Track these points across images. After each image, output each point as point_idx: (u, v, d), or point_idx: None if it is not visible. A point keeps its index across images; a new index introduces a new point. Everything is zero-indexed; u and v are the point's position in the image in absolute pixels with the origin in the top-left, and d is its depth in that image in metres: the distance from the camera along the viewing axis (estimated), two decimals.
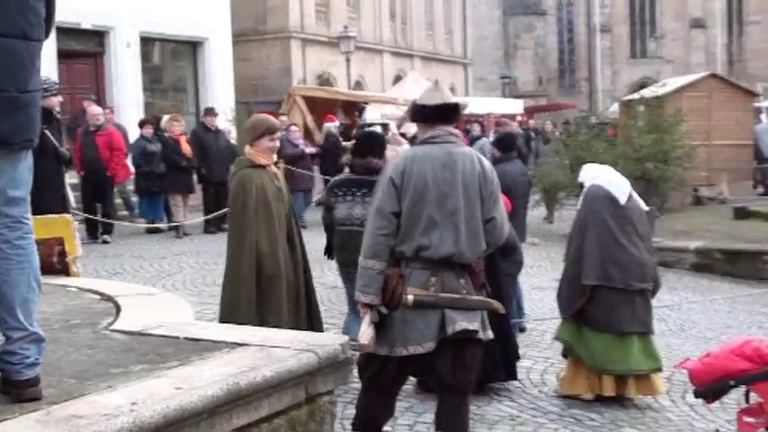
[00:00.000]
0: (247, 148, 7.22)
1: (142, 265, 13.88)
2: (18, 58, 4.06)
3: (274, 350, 4.90)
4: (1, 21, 3.99)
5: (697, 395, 5.98)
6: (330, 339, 5.20)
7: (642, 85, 59.56)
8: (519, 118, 26.54)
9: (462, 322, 5.34)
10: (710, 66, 57.49)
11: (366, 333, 5.33)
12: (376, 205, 5.45)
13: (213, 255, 15.03)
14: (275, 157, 7.56)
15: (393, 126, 18.97)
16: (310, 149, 20.04)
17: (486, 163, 5.61)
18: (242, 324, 6.26)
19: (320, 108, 24.96)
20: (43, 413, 3.93)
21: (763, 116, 27.88)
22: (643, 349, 7.62)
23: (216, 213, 17.20)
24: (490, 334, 5.61)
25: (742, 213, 18.48)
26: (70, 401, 4.09)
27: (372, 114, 10.25)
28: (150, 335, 5.47)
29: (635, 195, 7.82)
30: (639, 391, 7.61)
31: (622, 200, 7.63)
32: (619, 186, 7.71)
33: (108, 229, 16.56)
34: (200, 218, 18.07)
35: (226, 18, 28.37)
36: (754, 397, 5.81)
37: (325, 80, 35.66)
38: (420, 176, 5.37)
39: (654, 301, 7.95)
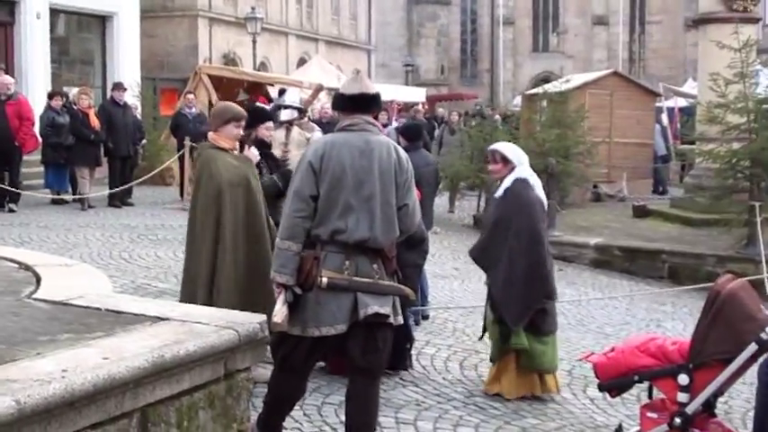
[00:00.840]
0: (211, 134, 7.14)
1: (48, 236, 13.75)
2: None
3: (196, 326, 4.93)
4: None
5: (601, 389, 6.10)
6: (249, 318, 5.21)
7: (544, 79, 60.38)
8: (421, 107, 26.66)
9: (374, 306, 5.42)
10: (612, 63, 58.53)
11: (280, 312, 5.38)
12: (294, 188, 5.50)
13: (119, 228, 14.91)
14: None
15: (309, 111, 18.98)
16: None
17: (402, 152, 5.70)
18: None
19: (225, 87, 24.85)
20: None
21: (663, 116, 28.46)
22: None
23: (122, 188, 17.13)
24: (401, 319, 5.72)
25: (641, 212, 18.87)
26: (3, 366, 4.08)
27: (292, 97, 10.19)
28: (73, 305, 5.47)
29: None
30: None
31: (545, 201, 7.71)
32: (539, 185, 7.71)
33: (14, 199, 16.56)
34: (105, 191, 17.98)
35: None
36: (656, 393, 5.94)
37: (230, 60, 35.40)
38: (338, 162, 5.43)
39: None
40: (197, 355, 4.60)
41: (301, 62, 40.85)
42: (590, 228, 17.35)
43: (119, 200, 17.98)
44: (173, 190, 21.22)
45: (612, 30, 62.31)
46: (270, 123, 8.47)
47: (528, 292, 7.45)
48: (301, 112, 10.63)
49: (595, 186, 22.08)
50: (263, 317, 5.23)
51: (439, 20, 65.36)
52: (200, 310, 5.47)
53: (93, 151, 17.85)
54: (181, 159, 19.28)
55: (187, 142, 18.47)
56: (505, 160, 7.64)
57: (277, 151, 8.89)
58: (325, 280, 5.37)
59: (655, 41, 64.97)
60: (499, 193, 7.68)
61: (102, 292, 5.98)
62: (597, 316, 11.58)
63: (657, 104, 27.70)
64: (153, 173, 20.20)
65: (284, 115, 9.97)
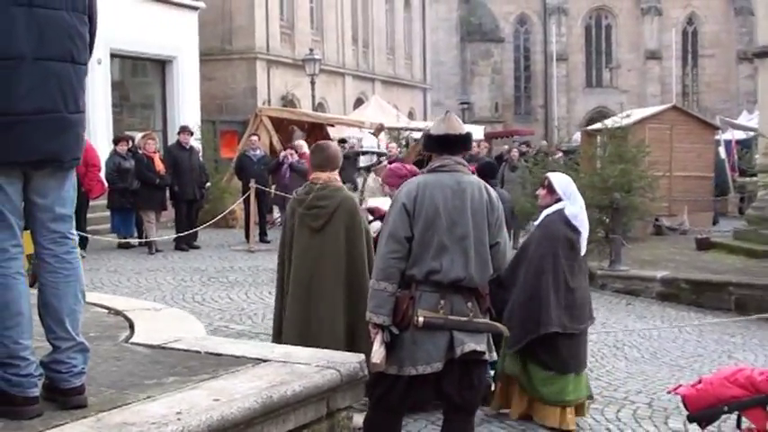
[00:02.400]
0: (334, 175, 7.21)
1: (120, 280, 14.01)
2: (67, 80, 4.22)
3: (297, 366, 5.09)
4: (52, 46, 4.16)
5: (691, 420, 6.20)
6: (349, 357, 5.37)
7: (599, 113, 60.56)
8: (480, 144, 26.89)
9: (471, 343, 5.55)
10: (666, 97, 58.41)
11: (378, 353, 5.49)
12: (389, 230, 5.63)
13: (189, 271, 15.18)
14: None
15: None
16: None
17: (492, 191, 5.84)
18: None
19: (285, 128, 25.25)
20: (93, 420, 4.10)
21: (720, 149, 28.41)
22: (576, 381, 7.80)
23: (190, 231, 17.42)
24: (495, 356, 5.86)
25: (705, 244, 18.84)
26: (116, 410, 4.26)
27: (370, 142, 10.44)
28: (172, 348, 5.66)
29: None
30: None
31: (581, 241, 7.75)
32: (582, 221, 7.76)
33: (82, 244, 16.61)
34: (171, 234, 18.27)
35: (194, 37, 28.48)
36: (745, 422, 6.04)
37: (288, 101, 35.87)
38: (431, 203, 5.58)
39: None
40: (302, 396, 4.75)
41: (358, 102, 41.28)
42: (655, 261, 17.37)
43: (185, 243, 18.22)
44: (236, 232, 21.52)
45: (665, 64, 62.15)
46: None
47: (524, 319, 7.51)
48: (381, 155, 10.81)
49: (657, 220, 22.08)
50: (362, 356, 5.40)
51: (492, 57, 65.61)
52: (298, 351, 5.60)
53: (158, 195, 18.21)
54: (245, 201, 19.50)
55: (252, 184, 18.78)
56: (551, 190, 7.79)
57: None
58: (421, 319, 5.48)
59: (708, 75, 64.89)
60: (537, 221, 7.89)
61: (197, 335, 6.17)
62: (670, 349, 11.61)
63: (716, 137, 27.63)
64: (221, 215, 20.49)
65: (363, 161, 10.14)
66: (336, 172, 7.32)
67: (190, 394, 4.52)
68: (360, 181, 9.60)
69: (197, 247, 18.54)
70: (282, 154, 19.54)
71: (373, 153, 10.22)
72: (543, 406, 7.65)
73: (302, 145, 19.97)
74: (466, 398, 5.69)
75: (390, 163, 16.99)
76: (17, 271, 4.19)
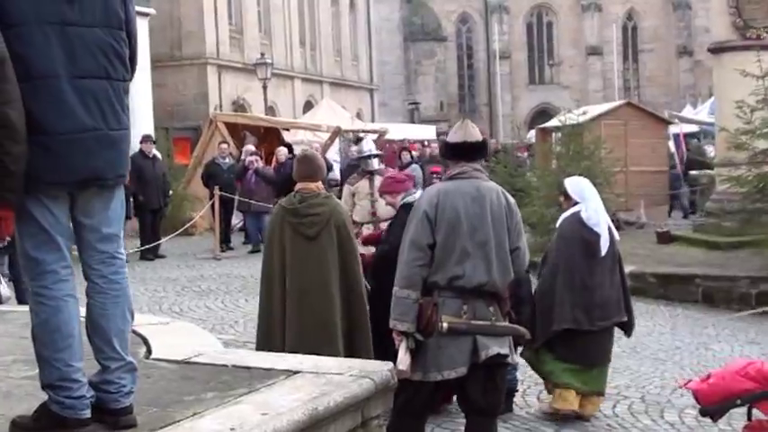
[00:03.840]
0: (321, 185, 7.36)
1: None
2: (105, 97, 4.22)
3: (331, 377, 5.12)
4: (85, 63, 4.15)
5: (704, 414, 6.35)
6: (379, 366, 5.41)
7: (543, 110, 61.20)
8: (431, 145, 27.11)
9: (495, 347, 5.66)
10: (608, 92, 59.22)
11: (404, 360, 5.59)
12: (410, 237, 5.71)
13: (161, 281, 15.13)
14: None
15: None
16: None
17: (510, 197, 5.95)
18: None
19: (239, 134, 25.16)
20: None
21: (669, 143, 28.81)
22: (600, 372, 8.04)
23: (160, 241, 17.35)
24: (517, 359, 5.96)
25: (665, 238, 19.14)
26: (168, 428, 4.27)
27: (370, 145, 10.45)
28: (197, 363, 5.65)
29: (611, 227, 8.15)
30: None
31: (601, 241, 7.93)
32: (597, 222, 7.95)
33: None
34: (136, 243, 18.18)
35: (144, 44, 28.23)
36: (755, 415, 6.20)
37: (239, 106, 35.81)
38: (452, 210, 5.67)
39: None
40: (343, 406, 4.80)
41: (307, 105, 41.31)
42: None
43: (151, 253, 18.11)
44: (197, 240, 21.37)
45: (607, 59, 62.83)
46: None
47: (540, 317, 7.74)
48: (380, 158, 10.84)
49: (614, 215, 22.32)
50: (391, 364, 5.45)
51: (436, 57, 65.93)
52: (326, 361, 5.62)
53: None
54: (213, 208, 19.42)
55: (216, 191, 18.72)
56: (567, 195, 8.02)
57: (364, 202, 9.07)
58: (445, 325, 5.58)
59: (648, 69, 65.86)
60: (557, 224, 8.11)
61: (216, 349, 6.19)
62: (648, 342, 11.81)
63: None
64: (190, 223, 20.36)
65: (375, 164, 10.15)
66: (320, 182, 7.43)
67: (236, 409, 4.53)
68: (366, 184, 9.56)
69: (162, 257, 18.43)
70: (248, 159, 19.47)
71: (377, 156, 10.20)
72: (566, 392, 7.85)
73: (281, 150, 19.89)
74: (490, 401, 5.80)
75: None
76: (68, 293, 4.20)
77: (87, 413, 4.20)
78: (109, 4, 4.24)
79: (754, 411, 6.11)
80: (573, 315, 7.74)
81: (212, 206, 19.29)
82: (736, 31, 18.36)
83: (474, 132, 5.98)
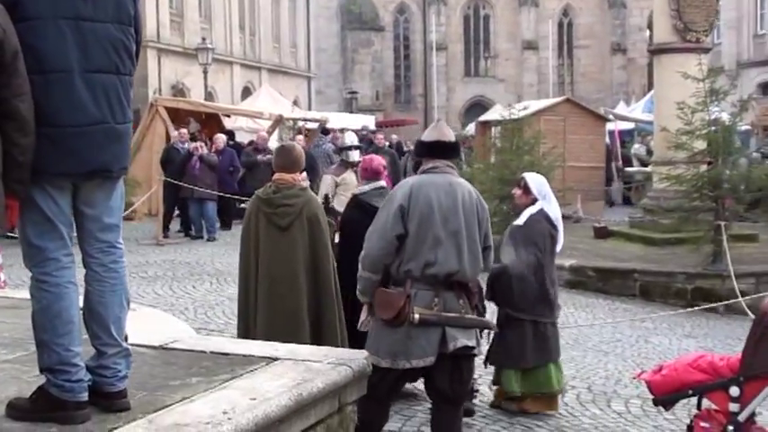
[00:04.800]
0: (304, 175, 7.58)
1: None
2: (114, 91, 4.36)
3: (310, 364, 5.31)
4: (98, 58, 4.29)
5: (656, 403, 6.63)
6: (354, 354, 5.64)
7: (477, 102, 61.70)
8: (381, 135, 27.22)
9: (463, 339, 5.92)
10: (542, 86, 59.94)
11: (365, 322, 6.23)
12: (380, 228, 6.01)
13: None
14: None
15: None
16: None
17: (479, 195, 6.25)
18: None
19: (181, 119, 25.11)
20: (145, 422, 4.25)
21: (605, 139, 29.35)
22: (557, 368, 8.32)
23: None
24: (483, 350, 6.21)
25: (603, 233, 19.56)
26: (162, 411, 4.42)
27: (352, 137, 10.65)
28: (174, 349, 5.80)
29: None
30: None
31: (558, 237, 8.24)
32: (559, 219, 8.26)
33: None
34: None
35: None
36: (705, 404, 6.50)
37: (179, 90, 35.66)
38: (426, 200, 5.94)
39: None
40: (325, 392, 5.01)
41: (245, 91, 41.31)
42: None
43: None
44: (137, 224, 21.18)
45: (542, 54, 63.47)
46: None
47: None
48: (359, 150, 11.03)
49: None
50: (366, 352, 5.71)
51: (372, 46, 65.94)
52: (301, 349, 5.85)
53: None
54: (165, 193, 19.39)
55: (161, 177, 18.69)
56: (527, 190, 8.21)
57: (350, 193, 9.21)
58: (417, 316, 5.84)
59: (583, 65, 66.60)
60: (518, 222, 8.23)
61: (191, 335, 6.36)
62: (589, 335, 12.14)
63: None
64: (131, 209, 20.25)
65: (357, 156, 10.32)
66: (298, 173, 7.60)
67: (224, 394, 4.70)
68: (353, 177, 9.72)
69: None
70: (192, 146, 19.49)
71: (356, 147, 10.40)
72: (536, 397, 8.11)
73: (219, 137, 19.96)
74: (456, 391, 6.08)
75: None
76: (69, 280, 4.34)
77: (85, 396, 4.34)
78: (120, 0, 4.37)
79: (704, 401, 6.40)
80: (540, 309, 8.04)
81: (165, 191, 19.19)
82: (677, 34, 18.79)
83: (448, 133, 6.31)
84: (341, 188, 10.17)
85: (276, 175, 7.47)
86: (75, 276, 4.40)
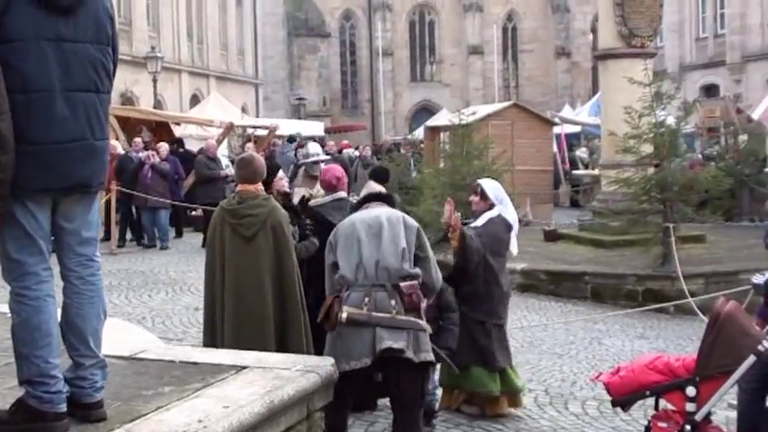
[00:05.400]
0: (259, 186, 7.60)
1: None
2: (93, 109, 4.48)
3: (279, 371, 5.42)
4: (78, 77, 4.41)
5: (615, 404, 6.80)
6: (322, 361, 5.74)
7: (424, 107, 61.99)
8: (332, 142, 27.32)
9: (388, 341, 6.04)
10: (488, 90, 60.32)
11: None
12: (327, 263, 6.53)
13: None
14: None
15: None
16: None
17: (404, 215, 6.62)
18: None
19: (131, 127, 25.04)
20: (123, 431, 4.36)
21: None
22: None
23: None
24: (425, 356, 6.25)
25: (552, 236, 19.81)
26: (138, 420, 4.52)
27: (317, 148, 10.75)
28: (144, 359, 5.87)
29: None
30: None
31: (514, 243, 8.47)
32: (517, 224, 8.50)
33: None
34: None
35: None
36: (662, 405, 6.70)
37: (127, 99, 35.47)
38: (349, 222, 6.50)
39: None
40: (294, 399, 5.15)
41: (194, 98, 41.19)
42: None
43: None
44: None
45: (487, 58, 63.67)
46: (281, 173, 8.96)
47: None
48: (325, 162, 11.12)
49: None
50: (332, 359, 5.82)
51: (319, 52, 65.85)
52: (269, 357, 5.97)
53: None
54: (118, 202, 19.28)
55: (114, 186, 18.64)
56: (484, 196, 8.37)
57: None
58: (344, 315, 6.06)
59: (527, 69, 67.02)
60: (477, 223, 8.35)
61: (159, 344, 6.45)
62: (543, 338, 12.34)
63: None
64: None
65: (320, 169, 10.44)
66: (260, 183, 7.71)
67: (197, 402, 4.80)
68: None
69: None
70: (144, 154, 19.46)
71: (322, 161, 10.51)
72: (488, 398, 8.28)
73: (162, 146, 19.97)
74: (405, 393, 6.24)
75: None
76: (48, 293, 4.42)
77: (64, 407, 4.42)
78: (100, 21, 4.49)
79: (662, 402, 6.60)
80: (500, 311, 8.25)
81: (118, 200, 19.12)
82: (622, 39, 19.09)
83: (375, 187, 7.21)
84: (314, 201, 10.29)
85: (239, 187, 7.57)
86: (54, 290, 4.49)
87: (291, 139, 25.90)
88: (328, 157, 11.37)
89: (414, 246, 6.33)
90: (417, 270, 6.32)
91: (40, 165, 4.28)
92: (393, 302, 6.13)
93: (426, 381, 6.55)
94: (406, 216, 6.52)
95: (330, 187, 8.54)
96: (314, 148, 11.26)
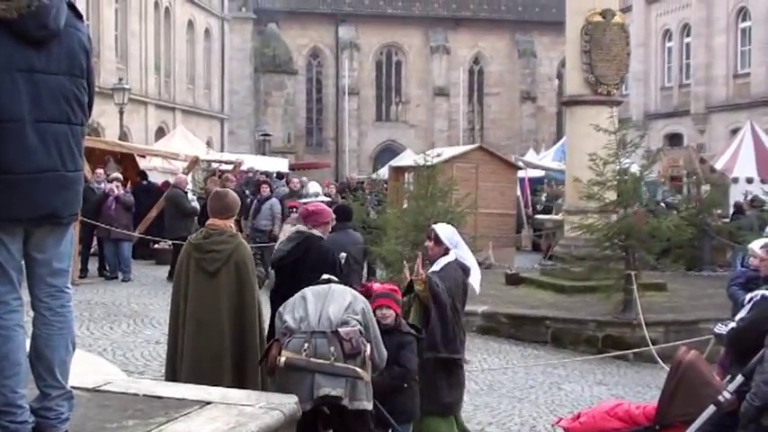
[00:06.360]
0: (228, 223, 7.60)
1: None
2: (64, 140, 4.51)
3: (244, 408, 5.43)
4: (49, 109, 4.44)
5: None
6: (284, 398, 5.75)
7: (388, 147, 62.20)
8: (295, 179, 27.30)
9: (326, 388, 6.08)
10: (453, 132, 60.77)
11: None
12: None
13: None
14: None
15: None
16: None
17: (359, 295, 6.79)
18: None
19: (97, 158, 24.91)
20: None
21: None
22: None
23: None
24: (360, 405, 6.23)
25: (514, 279, 19.92)
26: None
27: (316, 188, 10.76)
28: (107, 392, 5.84)
29: None
30: None
31: (476, 284, 8.53)
32: (476, 266, 8.55)
33: None
34: None
35: None
36: None
37: (93, 129, 35.28)
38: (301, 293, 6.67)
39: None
40: None
41: (160, 131, 41.13)
42: (469, 296, 18.20)
43: None
44: None
45: (453, 101, 64.18)
46: None
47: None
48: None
49: None
50: (296, 397, 5.83)
51: (285, 89, 65.89)
52: (234, 393, 5.97)
53: None
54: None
55: (78, 216, 18.49)
56: (438, 241, 8.42)
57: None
58: (283, 359, 6.12)
59: (493, 112, 67.41)
60: (435, 267, 8.33)
61: (122, 377, 6.43)
62: (503, 381, 12.42)
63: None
64: None
65: None
66: (232, 219, 7.73)
67: None
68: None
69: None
70: (108, 186, 19.40)
71: (322, 201, 10.53)
72: None
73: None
74: None
75: None
76: (17, 323, 4.44)
77: None
78: (73, 54, 4.52)
79: None
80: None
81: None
82: (589, 87, 19.33)
83: None
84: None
85: (209, 221, 7.60)
86: (24, 319, 4.49)
87: (280, 175, 25.93)
88: (329, 199, 11.33)
89: (359, 312, 6.41)
90: (359, 317, 6.39)
91: (11, 194, 4.30)
92: (332, 349, 6.16)
93: (369, 424, 6.55)
94: (357, 293, 6.67)
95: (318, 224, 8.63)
96: (314, 187, 11.29)
